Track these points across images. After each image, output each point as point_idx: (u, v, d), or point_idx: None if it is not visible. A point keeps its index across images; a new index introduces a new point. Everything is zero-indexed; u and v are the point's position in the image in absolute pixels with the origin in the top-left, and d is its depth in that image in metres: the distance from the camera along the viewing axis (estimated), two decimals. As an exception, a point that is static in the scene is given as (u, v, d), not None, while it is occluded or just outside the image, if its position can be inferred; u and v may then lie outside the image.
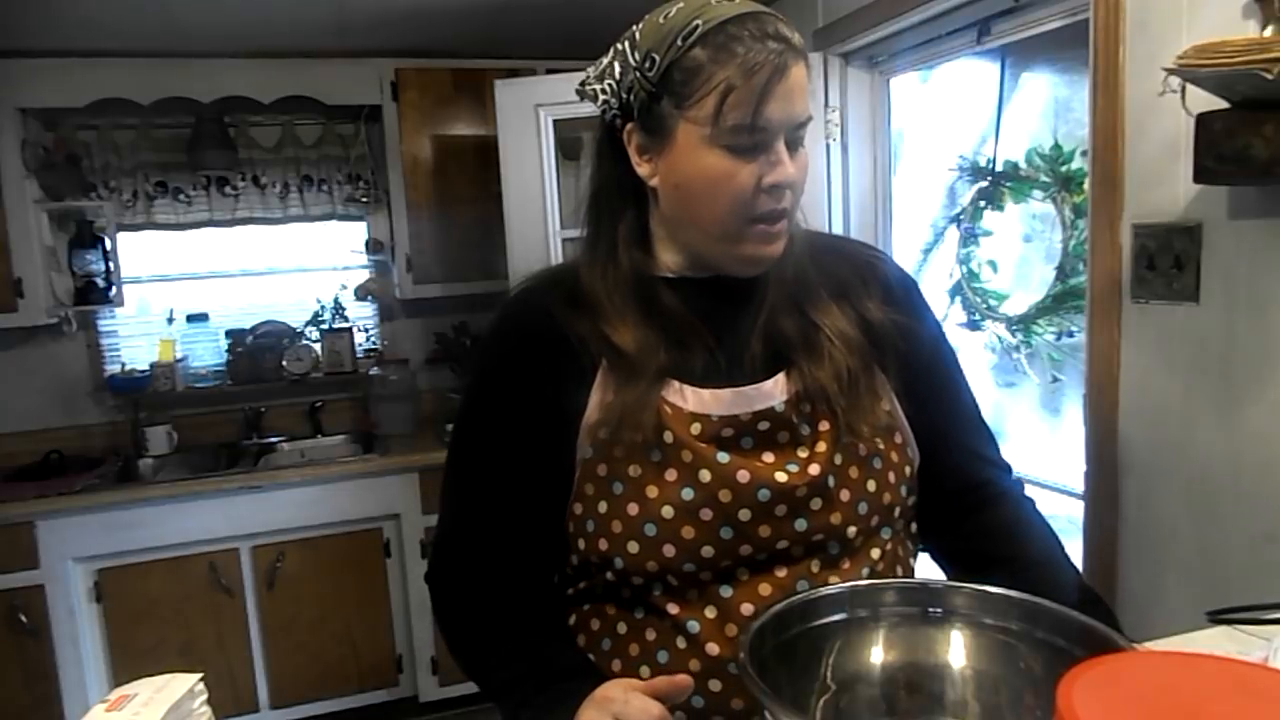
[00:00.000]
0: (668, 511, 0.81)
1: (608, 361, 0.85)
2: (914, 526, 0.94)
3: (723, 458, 0.82)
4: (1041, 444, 2.30)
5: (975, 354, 2.39)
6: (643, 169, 0.85)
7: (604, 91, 0.85)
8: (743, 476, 0.81)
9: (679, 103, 0.79)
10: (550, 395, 0.86)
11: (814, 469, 0.83)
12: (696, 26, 0.78)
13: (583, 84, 0.88)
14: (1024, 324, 2.23)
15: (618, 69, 0.84)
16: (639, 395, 0.83)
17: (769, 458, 0.83)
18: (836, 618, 0.76)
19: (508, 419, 0.88)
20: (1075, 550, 1.00)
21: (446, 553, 0.94)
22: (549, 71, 2.87)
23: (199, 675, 0.80)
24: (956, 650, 0.75)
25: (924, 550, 0.97)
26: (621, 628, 0.87)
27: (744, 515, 0.81)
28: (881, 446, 0.86)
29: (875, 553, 0.86)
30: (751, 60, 0.76)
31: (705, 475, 0.81)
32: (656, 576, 0.83)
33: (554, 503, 0.87)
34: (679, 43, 0.78)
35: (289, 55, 2.86)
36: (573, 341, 0.86)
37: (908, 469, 0.89)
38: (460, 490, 0.92)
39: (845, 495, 0.84)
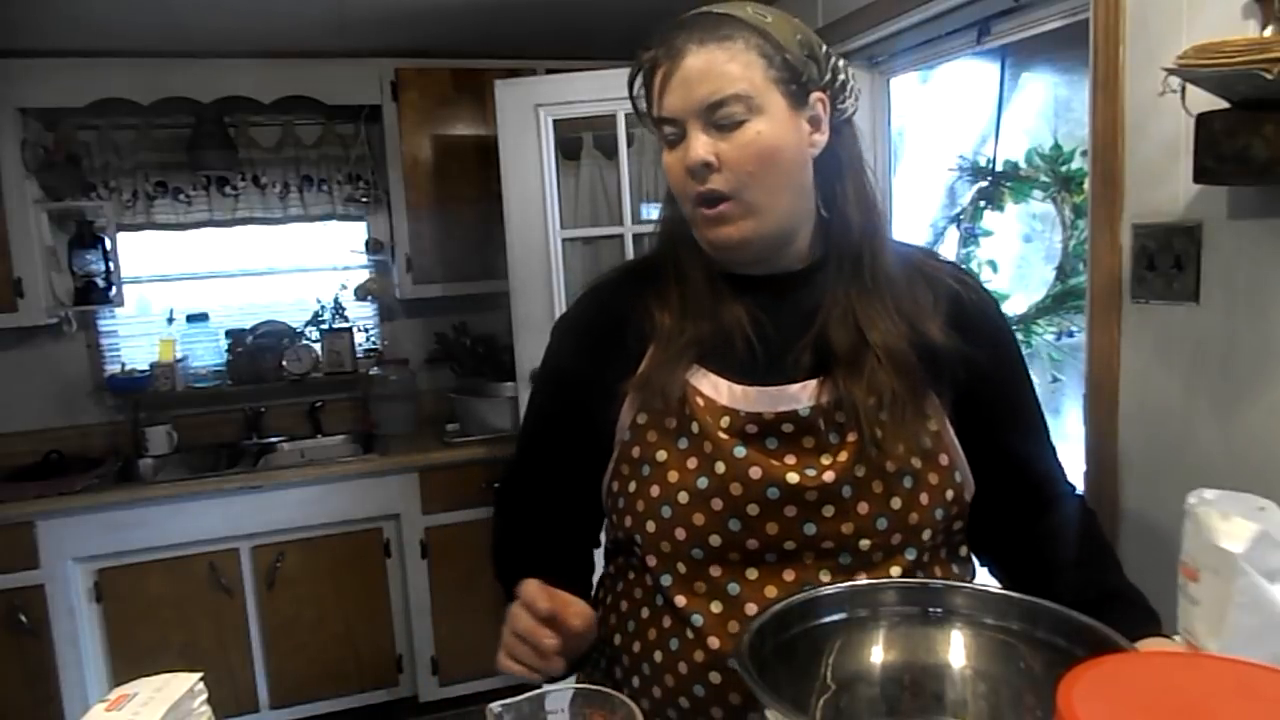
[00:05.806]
0: (683, 496, 0.85)
1: (653, 327, 0.90)
2: (963, 549, 0.94)
3: (740, 451, 0.84)
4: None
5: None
6: None
7: None
8: (754, 472, 0.83)
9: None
10: (604, 371, 0.91)
11: (828, 476, 0.83)
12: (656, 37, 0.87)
13: None
14: (1024, 324, 2.23)
15: None
16: (670, 360, 0.87)
17: (790, 459, 0.84)
18: (836, 617, 0.76)
19: (567, 384, 0.96)
20: (1075, 550, 1.00)
21: (509, 481, 1.05)
22: (549, 71, 2.86)
23: (199, 675, 0.80)
24: (956, 650, 0.75)
25: (983, 565, 0.97)
26: (644, 613, 0.91)
27: (752, 510, 0.83)
28: (917, 465, 0.85)
29: (895, 570, 0.85)
30: (653, 57, 0.84)
31: (720, 466, 0.84)
32: (668, 560, 0.87)
33: (592, 467, 0.94)
34: (644, 52, 0.87)
35: (289, 55, 2.86)
36: (633, 319, 0.92)
37: (948, 492, 0.88)
38: (525, 435, 1.03)
39: (864, 508, 0.84)
